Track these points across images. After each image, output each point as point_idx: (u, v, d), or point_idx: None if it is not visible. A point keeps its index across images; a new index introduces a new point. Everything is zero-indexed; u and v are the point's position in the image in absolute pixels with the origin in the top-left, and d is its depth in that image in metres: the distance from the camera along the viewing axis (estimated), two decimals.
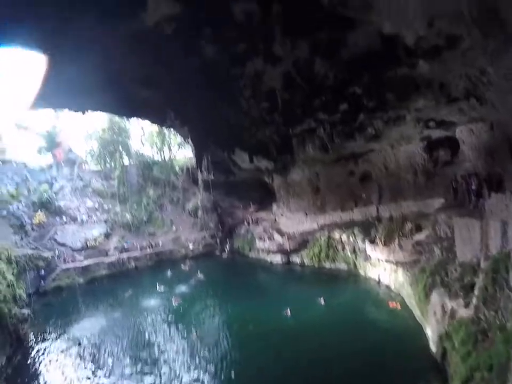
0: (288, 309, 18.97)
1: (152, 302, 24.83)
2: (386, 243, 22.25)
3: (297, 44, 14.31)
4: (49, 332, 20.33)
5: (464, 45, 10.39)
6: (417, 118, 17.58)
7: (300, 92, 17.77)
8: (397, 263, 20.51)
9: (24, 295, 21.21)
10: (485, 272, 11.66)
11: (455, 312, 12.22)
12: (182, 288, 27.84)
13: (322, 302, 20.23)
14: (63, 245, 35.70)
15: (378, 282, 23.20)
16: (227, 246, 42.08)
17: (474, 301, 11.50)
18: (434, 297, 14.29)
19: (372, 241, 24.03)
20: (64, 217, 39.15)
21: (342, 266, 27.66)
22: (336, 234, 28.94)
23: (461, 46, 10.53)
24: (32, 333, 19.42)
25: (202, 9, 12.30)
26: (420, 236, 20.12)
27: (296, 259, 32.04)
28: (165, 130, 44.75)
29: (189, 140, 27.82)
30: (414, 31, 11.37)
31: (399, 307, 18.30)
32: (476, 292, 11.69)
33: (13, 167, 43.17)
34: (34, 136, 49.06)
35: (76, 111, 21.69)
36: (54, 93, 18.03)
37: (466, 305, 11.90)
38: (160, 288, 27.48)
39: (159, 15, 12.62)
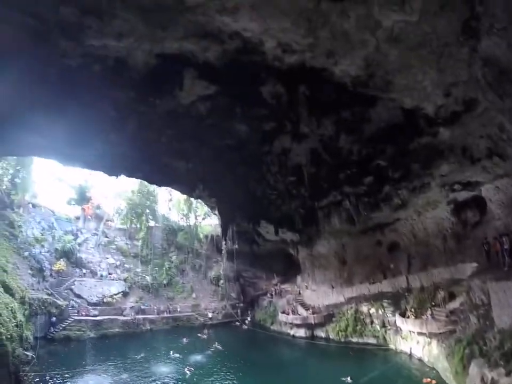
0: None
1: (163, 368, 23.52)
2: (418, 314, 21.04)
3: (322, 122, 15.48)
4: (50, 380, 19.40)
5: (481, 107, 11.56)
6: (443, 183, 18.05)
7: (326, 166, 18.73)
8: (430, 335, 19.14)
9: (31, 338, 20.72)
10: None
11: (496, 382, 11.33)
12: (198, 357, 26.23)
13: (349, 380, 18.43)
14: (79, 296, 35.83)
15: (410, 355, 21.41)
16: (248, 317, 40.64)
17: None
18: (473, 368, 13.17)
19: (403, 314, 22.71)
20: (84, 270, 39.79)
21: (371, 340, 25.91)
22: (364, 307, 27.69)
23: (478, 108, 11.72)
24: (32, 377, 18.67)
25: (235, 90, 13.41)
26: (454, 304, 18.97)
27: (320, 333, 30.37)
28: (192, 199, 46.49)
29: (216, 211, 28.31)
30: (433, 102, 12.77)
31: (434, 382, 16.62)
32: None
33: (41, 212, 44.81)
34: (67, 187, 52.00)
35: (110, 175, 22.62)
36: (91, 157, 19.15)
37: (508, 373, 11.12)
38: (174, 354, 26.17)
39: (195, 95, 13.74)
